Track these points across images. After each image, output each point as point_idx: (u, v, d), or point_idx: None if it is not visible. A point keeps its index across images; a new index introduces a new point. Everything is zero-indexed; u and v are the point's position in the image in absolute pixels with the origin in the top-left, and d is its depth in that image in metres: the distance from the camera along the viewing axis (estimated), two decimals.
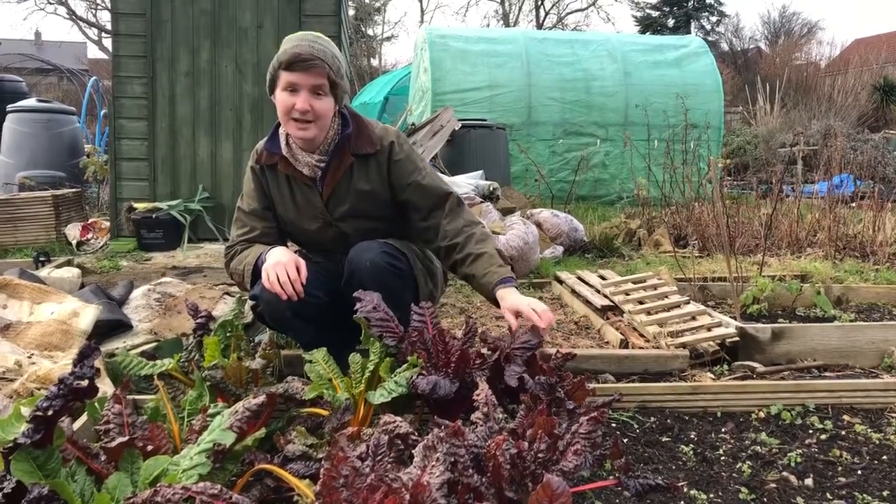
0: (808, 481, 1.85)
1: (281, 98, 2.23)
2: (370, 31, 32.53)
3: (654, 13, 32.53)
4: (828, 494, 1.78)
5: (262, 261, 2.26)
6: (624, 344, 2.98)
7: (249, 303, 2.37)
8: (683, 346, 2.82)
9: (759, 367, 2.73)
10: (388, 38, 36.57)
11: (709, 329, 2.95)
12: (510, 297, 2.20)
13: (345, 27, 6.65)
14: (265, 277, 2.18)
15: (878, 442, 2.09)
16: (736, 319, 3.18)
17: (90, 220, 6.25)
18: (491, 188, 6.23)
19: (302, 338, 2.43)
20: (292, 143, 2.35)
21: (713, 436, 2.14)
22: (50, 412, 1.42)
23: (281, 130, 2.37)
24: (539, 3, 33.37)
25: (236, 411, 1.60)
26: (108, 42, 27.06)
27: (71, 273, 4.08)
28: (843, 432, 2.16)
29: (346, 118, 2.37)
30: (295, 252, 2.39)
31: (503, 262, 2.31)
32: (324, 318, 2.35)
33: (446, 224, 2.36)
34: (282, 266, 2.17)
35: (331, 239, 2.44)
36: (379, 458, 1.42)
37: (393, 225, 2.46)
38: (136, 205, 5.92)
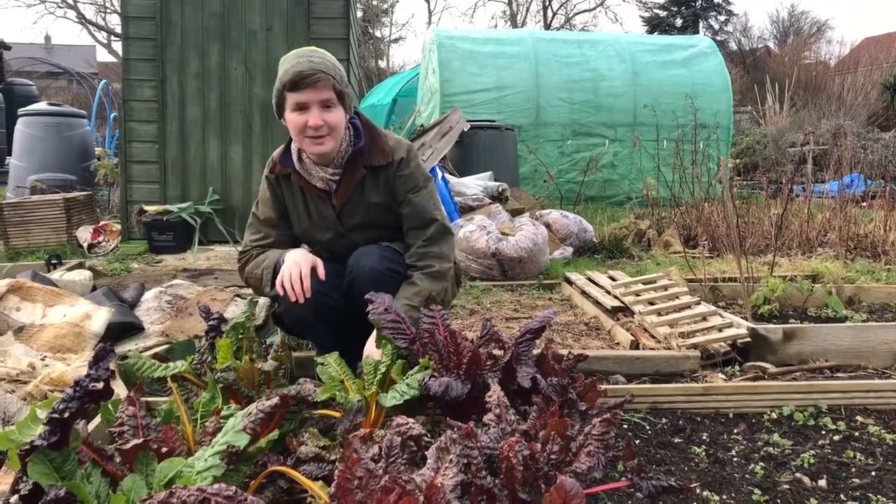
0: (822, 482, 1.84)
1: (292, 119, 2.22)
2: (378, 33, 32.62)
3: (662, 13, 32.46)
4: (841, 496, 1.77)
5: (281, 262, 2.28)
6: (635, 345, 2.98)
7: (261, 303, 2.38)
8: (695, 346, 2.81)
9: (771, 368, 2.72)
10: (396, 40, 36.62)
11: (720, 330, 2.94)
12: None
13: (353, 29, 6.67)
14: (280, 277, 2.21)
15: (891, 443, 2.08)
16: (747, 320, 3.16)
17: (101, 223, 6.28)
18: (500, 189, 6.24)
19: (318, 339, 2.44)
20: (305, 158, 2.35)
21: (725, 437, 2.14)
22: (66, 414, 1.43)
23: (293, 146, 2.37)
24: (547, 3, 33.37)
25: (249, 413, 1.60)
26: (117, 45, 27.27)
27: (83, 276, 4.10)
28: (857, 433, 2.15)
29: (359, 129, 2.37)
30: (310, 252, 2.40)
31: (419, 305, 2.24)
32: (341, 320, 2.36)
33: (418, 247, 2.38)
34: (297, 266, 2.21)
35: (342, 248, 2.45)
36: (392, 459, 1.42)
37: (402, 233, 2.47)
38: (146, 207, 5.95)
